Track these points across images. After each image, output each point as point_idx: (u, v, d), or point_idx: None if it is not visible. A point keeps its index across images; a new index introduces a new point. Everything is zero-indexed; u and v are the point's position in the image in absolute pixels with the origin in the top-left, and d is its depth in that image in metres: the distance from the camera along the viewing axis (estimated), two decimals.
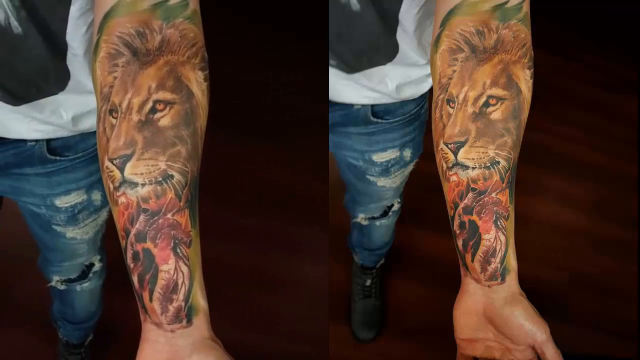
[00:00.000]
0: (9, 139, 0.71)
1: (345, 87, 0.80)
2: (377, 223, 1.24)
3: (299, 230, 1.69)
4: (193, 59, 0.47)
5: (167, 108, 0.45)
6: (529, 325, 0.51)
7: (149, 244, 0.45)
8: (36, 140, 0.72)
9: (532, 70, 0.52)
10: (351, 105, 0.83)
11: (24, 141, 0.72)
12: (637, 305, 1.62)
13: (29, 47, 0.58)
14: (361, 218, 1.23)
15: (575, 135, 2.18)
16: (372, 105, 0.83)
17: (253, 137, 1.94)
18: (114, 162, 0.45)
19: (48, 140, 0.73)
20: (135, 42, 0.45)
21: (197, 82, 0.47)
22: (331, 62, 0.76)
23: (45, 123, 0.69)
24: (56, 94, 0.67)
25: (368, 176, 0.99)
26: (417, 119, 0.89)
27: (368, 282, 1.51)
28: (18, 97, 0.65)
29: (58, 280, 1.02)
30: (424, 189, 1.33)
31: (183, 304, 0.45)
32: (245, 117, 1.99)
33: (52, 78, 0.64)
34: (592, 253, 1.80)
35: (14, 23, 0.56)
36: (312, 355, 1.45)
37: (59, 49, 0.60)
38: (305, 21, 2.28)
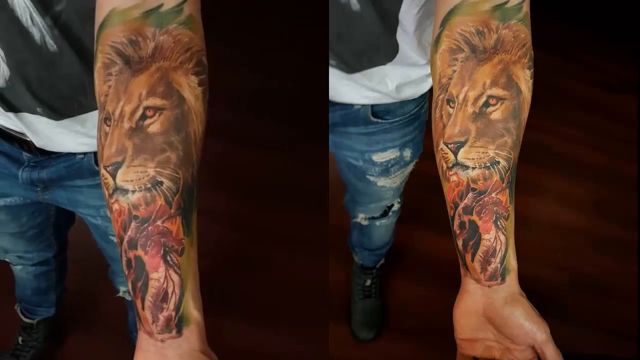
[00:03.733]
0: (59, 152, 0.73)
1: (345, 87, 0.80)
2: (377, 223, 1.24)
3: (299, 230, 1.69)
4: (186, 64, 0.46)
5: (157, 114, 0.45)
6: (529, 325, 0.51)
7: (139, 252, 0.44)
8: (84, 153, 0.74)
9: (532, 70, 0.52)
10: (351, 105, 0.83)
11: (73, 154, 0.74)
12: (637, 305, 1.62)
13: (65, 64, 0.59)
14: (361, 218, 1.23)
15: (575, 135, 2.18)
16: (372, 105, 0.83)
17: (253, 138, 1.94)
18: (107, 169, 0.45)
19: (95, 153, 0.74)
20: (127, 51, 0.45)
21: (189, 87, 0.46)
22: (331, 62, 0.76)
23: (89, 136, 0.71)
24: (97, 108, 0.68)
25: (368, 176, 0.99)
26: (417, 119, 0.89)
27: (368, 282, 1.51)
28: (60, 112, 0.66)
29: (125, 291, 1.03)
30: (424, 189, 1.33)
31: (173, 313, 0.45)
32: (245, 118, 1.99)
33: (91, 94, 0.65)
34: (592, 253, 1.80)
35: (49, 41, 0.57)
36: (312, 355, 1.45)
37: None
38: (305, 21, 2.28)
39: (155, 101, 0.45)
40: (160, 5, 0.45)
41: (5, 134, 0.73)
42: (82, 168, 0.75)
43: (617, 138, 2.20)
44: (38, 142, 0.71)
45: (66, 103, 0.65)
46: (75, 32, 0.57)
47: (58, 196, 0.81)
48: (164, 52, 0.45)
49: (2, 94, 0.64)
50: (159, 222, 0.44)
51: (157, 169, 0.44)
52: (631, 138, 2.17)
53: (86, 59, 0.59)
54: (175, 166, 0.45)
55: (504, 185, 0.50)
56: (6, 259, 1.11)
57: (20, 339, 1.34)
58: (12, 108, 0.66)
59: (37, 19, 0.55)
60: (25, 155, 0.75)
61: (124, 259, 0.45)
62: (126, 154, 0.44)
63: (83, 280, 1.45)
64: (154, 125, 0.45)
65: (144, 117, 0.45)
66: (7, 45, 0.58)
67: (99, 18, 0.46)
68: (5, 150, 0.75)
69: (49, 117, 0.66)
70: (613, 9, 2.77)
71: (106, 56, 0.45)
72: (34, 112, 0.66)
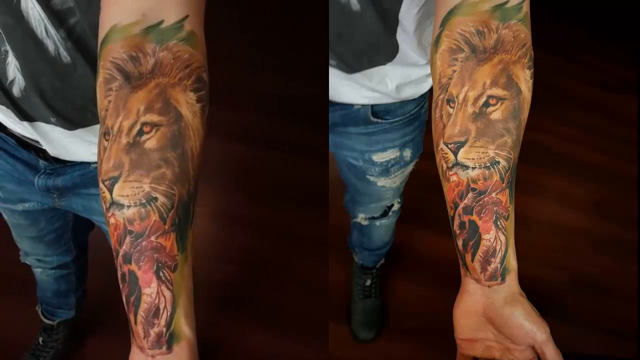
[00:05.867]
0: (73, 161, 0.74)
1: (345, 87, 0.80)
2: (377, 223, 1.24)
3: (299, 230, 1.69)
4: (185, 80, 0.46)
5: (154, 130, 0.45)
6: (529, 325, 0.51)
7: (133, 266, 0.45)
8: None
9: (532, 70, 0.52)
10: (351, 105, 0.83)
11: (87, 163, 0.75)
12: (637, 305, 1.62)
13: (79, 76, 0.60)
14: (361, 218, 1.23)
15: (575, 135, 2.18)
16: (372, 105, 0.83)
17: (252, 137, 1.94)
18: (105, 183, 0.45)
19: None
20: (127, 67, 0.45)
21: (187, 104, 0.47)
22: (331, 62, 0.76)
23: None
24: None
25: (368, 176, 0.99)
26: (417, 119, 0.89)
27: (368, 282, 1.51)
28: (73, 122, 0.67)
29: None
30: (424, 189, 1.33)
31: (164, 329, 0.45)
32: (245, 117, 1.99)
33: None
34: (592, 253, 1.80)
35: (63, 53, 0.58)
36: (312, 355, 1.45)
37: None
38: (305, 21, 2.28)
39: (153, 117, 0.45)
40: (161, 22, 0.46)
41: (23, 141, 0.74)
42: (96, 177, 0.75)
43: (617, 138, 2.20)
44: (52, 151, 0.72)
45: (79, 113, 0.66)
46: (89, 44, 0.57)
47: (74, 203, 0.82)
48: (163, 69, 0.46)
49: (17, 104, 0.65)
50: (152, 238, 0.45)
51: (152, 185, 0.45)
52: (631, 138, 2.17)
53: None
54: (171, 182, 0.45)
55: (504, 185, 0.50)
56: (27, 262, 1.13)
57: (40, 339, 1.36)
58: (27, 117, 0.67)
59: (52, 31, 0.56)
60: (42, 162, 0.76)
61: (119, 273, 0.46)
62: (123, 169, 0.45)
63: (103, 283, 1.45)
64: (151, 141, 0.45)
65: (141, 132, 0.45)
66: (22, 57, 0.59)
67: (101, 34, 0.47)
68: (22, 157, 0.76)
69: (63, 126, 0.67)
70: (613, 9, 2.77)
71: (107, 72, 0.46)
72: (48, 122, 0.67)
